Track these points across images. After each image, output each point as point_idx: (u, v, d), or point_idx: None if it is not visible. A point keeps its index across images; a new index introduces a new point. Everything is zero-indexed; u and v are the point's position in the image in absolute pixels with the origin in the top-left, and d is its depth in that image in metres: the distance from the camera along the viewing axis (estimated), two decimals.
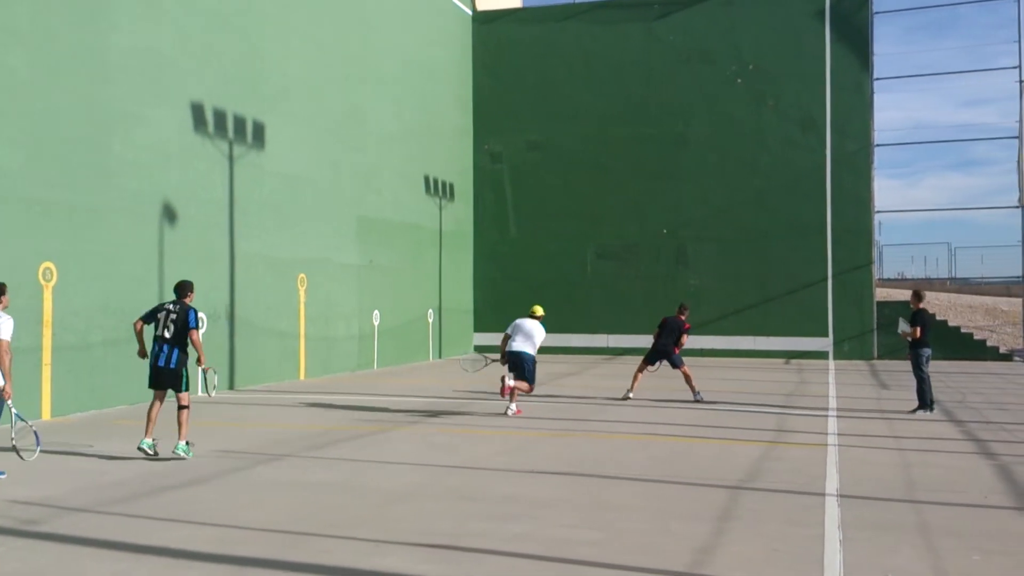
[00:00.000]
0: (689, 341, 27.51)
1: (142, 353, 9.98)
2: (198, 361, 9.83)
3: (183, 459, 9.56)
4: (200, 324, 9.91)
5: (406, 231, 24.10)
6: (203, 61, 16.47)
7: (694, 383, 15.53)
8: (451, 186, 27.00)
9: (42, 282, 12.92)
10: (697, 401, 15.21)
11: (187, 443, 9.68)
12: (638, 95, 27.65)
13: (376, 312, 22.54)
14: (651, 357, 16.10)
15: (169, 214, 15.56)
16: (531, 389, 13.62)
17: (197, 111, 16.27)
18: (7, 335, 8.49)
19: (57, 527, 6.79)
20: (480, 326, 28.62)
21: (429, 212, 25.56)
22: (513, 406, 13.37)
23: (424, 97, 25.46)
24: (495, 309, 27.81)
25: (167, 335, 9.67)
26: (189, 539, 6.46)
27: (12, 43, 12.59)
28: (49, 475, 8.82)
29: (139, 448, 9.58)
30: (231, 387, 17.14)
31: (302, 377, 19.44)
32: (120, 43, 14.52)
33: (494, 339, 28.07)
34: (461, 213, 27.90)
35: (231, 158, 17.18)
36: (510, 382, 13.29)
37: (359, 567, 5.83)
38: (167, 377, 9.74)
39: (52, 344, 13.07)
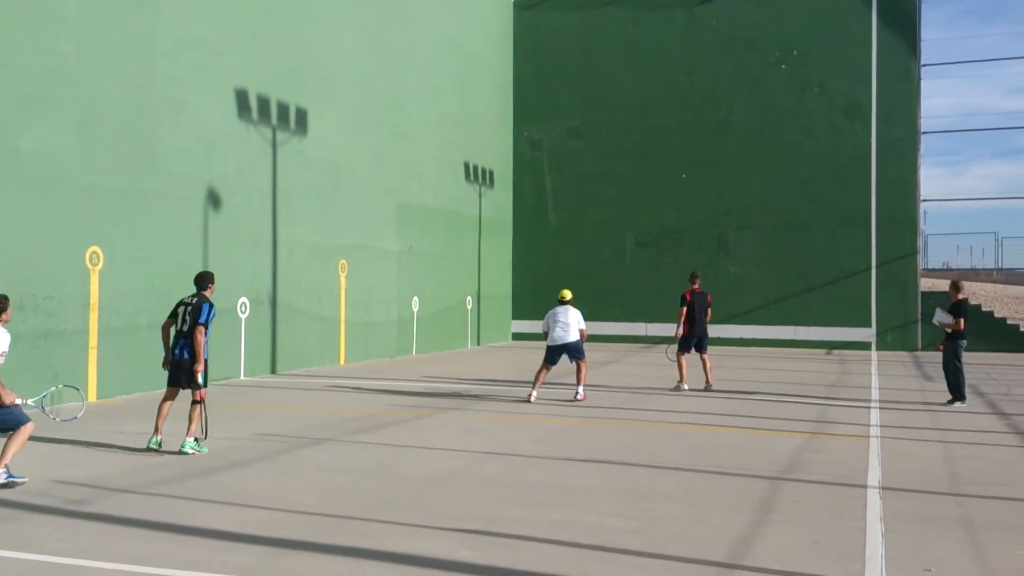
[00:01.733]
0: (729, 330, 27.24)
1: (167, 363, 9.40)
2: (194, 364, 9.19)
3: (189, 455, 9.03)
4: (210, 320, 9.28)
5: (446, 218, 24.17)
6: (248, 48, 16.61)
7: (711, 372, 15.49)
8: (491, 173, 27.02)
9: (89, 266, 13.16)
10: (707, 390, 15.22)
11: (196, 440, 9.18)
12: (680, 81, 27.41)
13: (415, 298, 22.66)
14: (691, 342, 15.61)
15: (214, 199, 15.75)
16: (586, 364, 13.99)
17: (242, 98, 16.43)
18: (2, 349, 7.60)
19: (102, 507, 6.94)
20: (518, 313, 28.66)
21: (469, 199, 25.60)
22: (580, 389, 13.76)
23: (464, 84, 25.47)
24: (533, 296, 27.81)
25: (184, 329, 9.28)
26: (232, 521, 6.57)
27: (61, 30, 12.80)
28: (94, 456, 9.01)
29: (148, 447, 9.24)
30: (272, 371, 17.35)
31: (342, 362, 19.62)
32: (167, 30, 14.69)
33: (532, 326, 28.11)
34: (500, 200, 27.92)
35: (275, 145, 17.33)
36: (534, 397, 13.59)
37: (400, 551, 5.90)
38: (183, 372, 9.25)
39: (99, 327, 13.31)
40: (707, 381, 15.45)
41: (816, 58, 26.39)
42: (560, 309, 13.99)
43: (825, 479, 8.27)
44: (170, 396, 9.49)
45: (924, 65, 26.24)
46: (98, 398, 13.24)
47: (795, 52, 26.56)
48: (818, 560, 5.78)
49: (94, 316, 13.21)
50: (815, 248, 26.18)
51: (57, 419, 8.94)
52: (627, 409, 12.96)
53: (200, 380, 9.22)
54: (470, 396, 14.33)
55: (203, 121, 15.52)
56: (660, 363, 20.17)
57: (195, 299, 9.38)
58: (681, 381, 15.38)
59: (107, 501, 7.10)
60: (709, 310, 15.98)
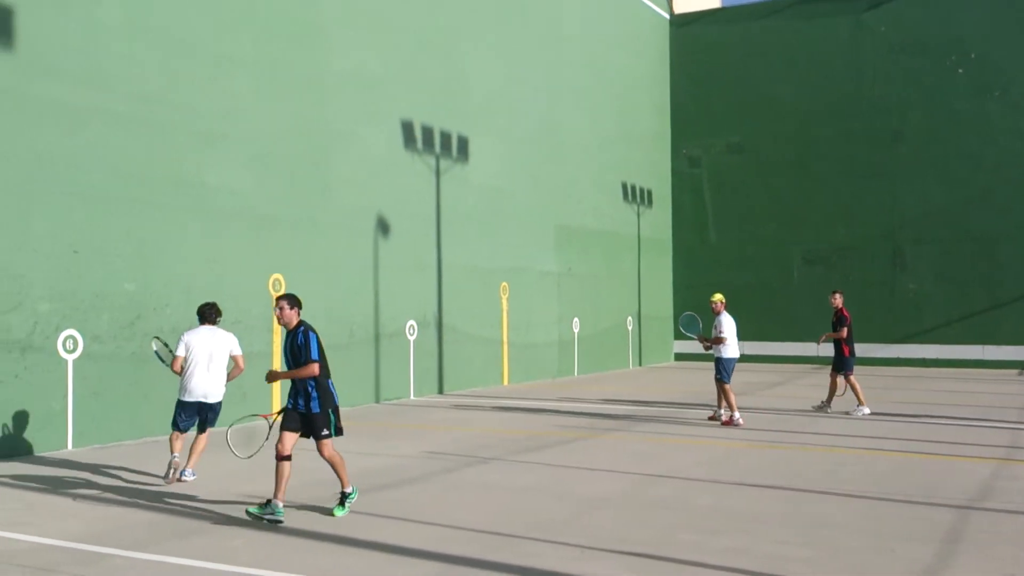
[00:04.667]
0: (908, 350, 25.85)
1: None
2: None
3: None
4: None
5: (604, 238, 24.15)
6: (409, 80, 17.21)
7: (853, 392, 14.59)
8: (649, 192, 26.82)
9: (272, 292, 13.91)
10: (820, 409, 14.55)
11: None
12: (846, 91, 26.39)
13: (576, 319, 22.72)
14: (853, 362, 14.81)
15: (382, 226, 16.36)
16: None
17: (406, 128, 17.03)
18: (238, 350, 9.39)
19: (287, 521, 7.27)
20: (680, 333, 28.15)
21: (627, 219, 25.50)
22: (737, 414, 13.11)
23: (620, 104, 25.45)
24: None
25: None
26: (404, 536, 6.76)
27: (238, 70, 13.66)
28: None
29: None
30: (440, 391, 17.78)
31: (505, 383, 19.88)
32: (334, 66, 15.43)
33: (693, 347, 27.62)
34: (659, 219, 27.66)
35: (438, 172, 17.85)
36: (739, 419, 13.03)
37: (566, 571, 5.90)
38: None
39: (278, 350, 14.03)
40: (860, 400, 14.47)
41: (996, 60, 24.82)
42: (729, 318, 13.48)
43: (1019, 508, 7.70)
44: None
45: None
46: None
47: (972, 55, 25.10)
48: None
49: (276, 340, 13.92)
50: (1002, 261, 24.51)
51: (246, 454, 8.11)
52: (799, 432, 12.50)
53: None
54: (634, 417, 14.19)
55: (370, 152, 16.16)
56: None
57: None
58: (860, 404, 14.50)
59: (288, 515, 7.43)
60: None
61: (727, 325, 13.33)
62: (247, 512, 7.21)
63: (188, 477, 8.89)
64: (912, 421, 13.61)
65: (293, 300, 7.74)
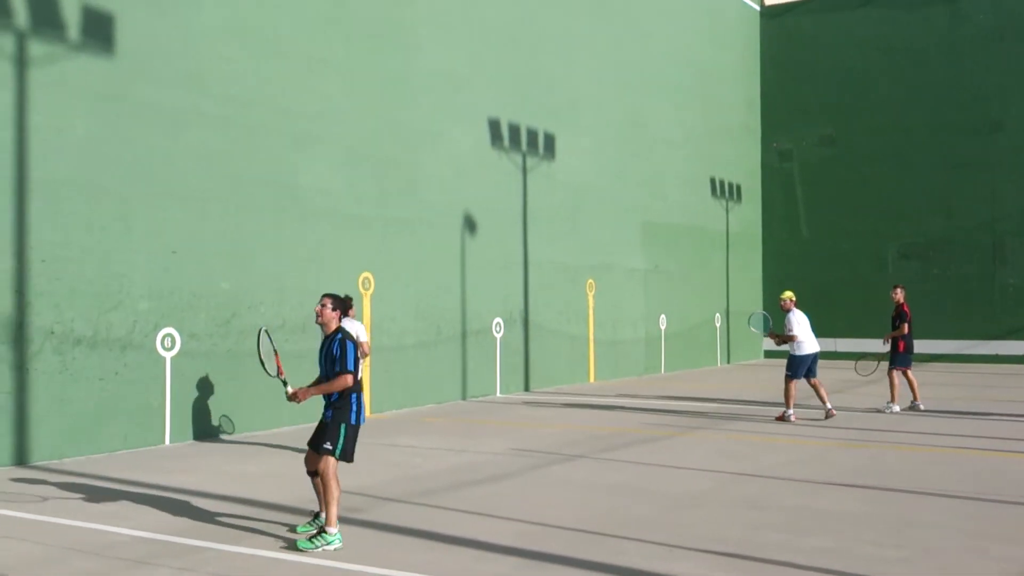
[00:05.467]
0: (1009, 347, 25.02)
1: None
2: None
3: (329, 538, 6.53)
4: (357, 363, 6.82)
5: (691, 234, 23.91)
6: (495, 79, 17.34)
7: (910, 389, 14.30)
8: (738, 187, 26.43)
9: (362, 290, 14.22)
10: (912, 408, 14.25)
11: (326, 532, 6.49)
12: (942, 80, 25.53)
13: (663, 316, 22.56)
14: (910, 358, 14.60)
15: (469, 224, 16.54)
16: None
17: (493, 126, 17.17)
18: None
19: (375, 516, 7.46)
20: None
21: (715, 214, 25.18)
22: (791, 411, 13.21)
23: (707, 98, 25.13)
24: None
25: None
26: (492, 532, 6.86)
27: (329, 73, 13.98)
28: (367, 467, 9.70)
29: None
30: (526, 388, 17.89)
31: (592, 380, 19.88)
32: (422, 67, 15.66)
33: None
34: (749, 214, 27.23)
35: (524, 170, 17.95)
36: (792, 416, 13.13)
37: (653, 570, 5.91)
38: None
39: (371, 346, 14.30)
40: (914, 398, 14.40)
41: None
42: (803, 315, 13.50)
43: None
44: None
45: None
46: (371, 412, 14.22)
47: None
48: None
49: (367, 336, 14.20)
50: None
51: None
52: (889, 431, 12.20)
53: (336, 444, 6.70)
54: (721, 415, 14.06)
55: (458, 151, 16.36)
56: (929, 382, 18.82)
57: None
58: (892, 401, 14.30)
59: (379, 510, 7.62)
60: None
61: (796, 322, 13.36)
62: (297, 546, 6.37)
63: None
64: (1009, 420, 13.14)
65: (337, 301, 6.85)
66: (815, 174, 27.21)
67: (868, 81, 26.45)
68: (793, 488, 8.52)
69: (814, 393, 13.49)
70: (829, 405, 13.23)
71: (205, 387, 11.84)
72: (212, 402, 11.92)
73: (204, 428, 11.83)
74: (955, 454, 10.43)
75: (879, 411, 14.21)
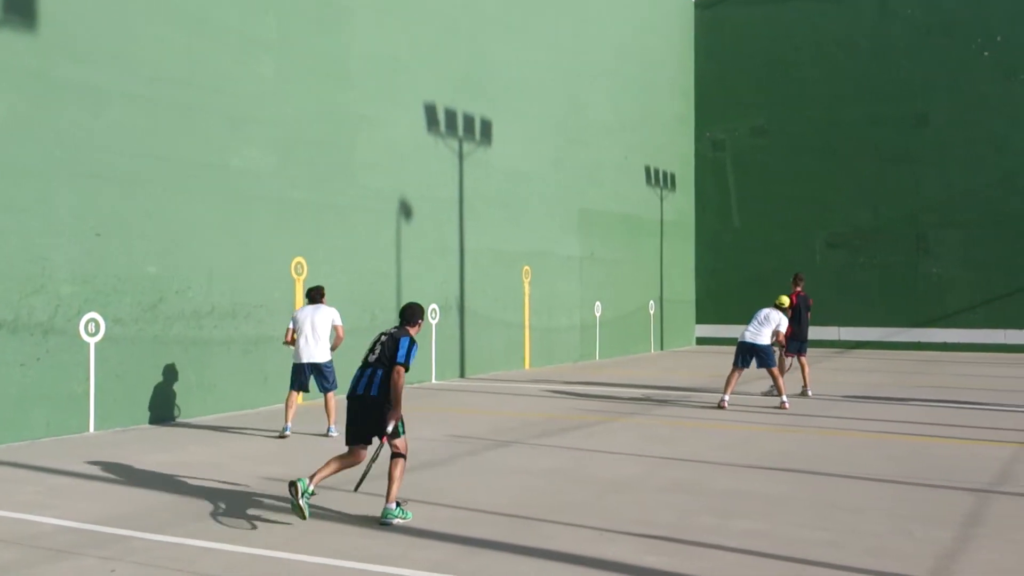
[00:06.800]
0: (930, 334, 25.73)
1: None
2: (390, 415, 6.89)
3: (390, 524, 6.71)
4: (411, 359, 7.03)
5: (627, 222, 24.10)
6: (432, 64, 17.21)
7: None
8: (672, 176, 26.71)
9: (294, 276, 14.01)
10: (803, 395, 14.57)
11: (398, 504, 6.80)
12: (872, 73, 26.13)
13: (598, 303, 22.72)
14: (793, 346, 14.82)
15: (405, 210, 16.41)
16: (776, 372, 13.49)
17: (430, 111, 17.04)
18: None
19: (310, 502, 7.33)
20: (702, 317, 28.16)
21: (650, 202, 25.42)
22: (785, 398, 13.26)
23: (644, 87, 25.33)
24: (717, 300, 27.30)
25: (371, 359, 7.10)
26: (425, 519, 6.83)
27: (262, 53, 13.71)
28: (302, 454, 9.58)
29: (298, 505, 6.66)
30: (462, 375, 17.86)
31: (527, 366, 19.94)
32: (359, 50, 15.45)
33: (716, 331, 27.60)
34: (682, 203, 27.55)
35: (461, 156, 17.86)
36: (726, 402, 13.22)
37: (584, 554, 5.95)
38: (373, 415, 6.92)
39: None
40: (804, 385, 14.80)
41: (1022, 43, 24.50)
42: (765, 309, 13.76)
43: None
44: (352, 455, 7.17)
45: None
46: (303, 401, 14.02)
47: (999, 38, 24.78)
48: None
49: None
50: None
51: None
52: (817, 416, 12.48)
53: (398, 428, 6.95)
54: (654, 401, 14.22)
55: (394, 136, 16.20)
56: (854, 368, 19.34)
57: (396, 331, 7.20)
58: (806, 385, 14.85)
59: (314, 497, 7.49)
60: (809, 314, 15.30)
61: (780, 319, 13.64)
62: (385, 516, 6.69)
63: (332, 434, 10.67)
64: (931, 405, 13.55)
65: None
66: (747, 164, 27.66)
67: (799, 73, 26.95)
68: (722, 472, 8.65)
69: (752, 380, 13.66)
70: (784, 397, 13.35)
71: (130, 374, 11.55)
72: (137, 389, 11.64)
73: (129, 415, 11.55)
74: (880, 439, 10.71)
75: (805, 396, 14.51)
